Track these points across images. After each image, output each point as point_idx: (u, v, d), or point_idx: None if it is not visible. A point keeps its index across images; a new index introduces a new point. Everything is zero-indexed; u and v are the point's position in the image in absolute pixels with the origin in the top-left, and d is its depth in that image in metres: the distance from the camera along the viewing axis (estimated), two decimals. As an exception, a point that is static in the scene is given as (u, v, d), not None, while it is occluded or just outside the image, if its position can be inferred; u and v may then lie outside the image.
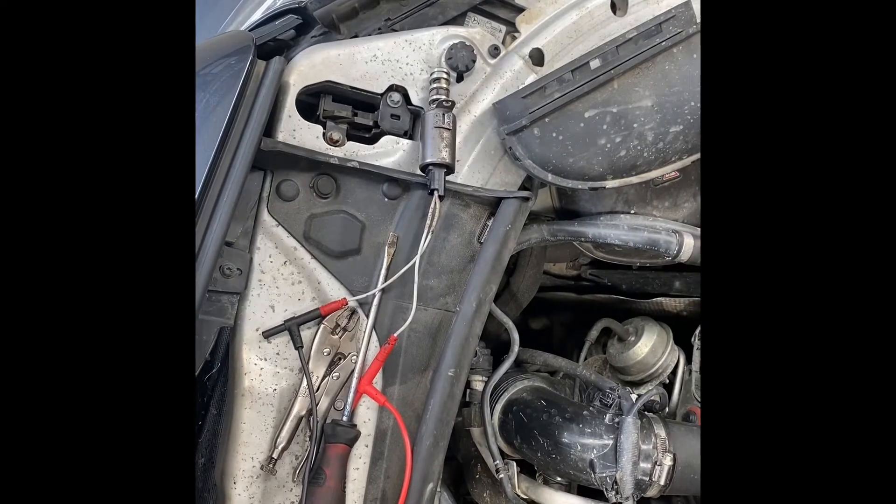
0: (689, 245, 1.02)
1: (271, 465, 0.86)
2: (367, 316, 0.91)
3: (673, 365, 1.23)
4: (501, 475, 1.05)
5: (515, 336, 1.09)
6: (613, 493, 0.95)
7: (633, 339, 1.24)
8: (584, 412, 1.01)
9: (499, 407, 1.12)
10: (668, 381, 1.23)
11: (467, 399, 1.17)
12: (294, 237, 0.90)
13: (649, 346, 1.22)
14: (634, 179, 0.98)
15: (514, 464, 1.09)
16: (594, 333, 1.29)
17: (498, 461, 1.06)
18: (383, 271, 0.92)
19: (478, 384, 1.16)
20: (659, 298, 1.31)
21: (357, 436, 0.88)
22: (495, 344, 1.23)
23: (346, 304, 0.90)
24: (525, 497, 1.09)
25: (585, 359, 1.34)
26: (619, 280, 1.37)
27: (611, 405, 1.00)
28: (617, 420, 0.98)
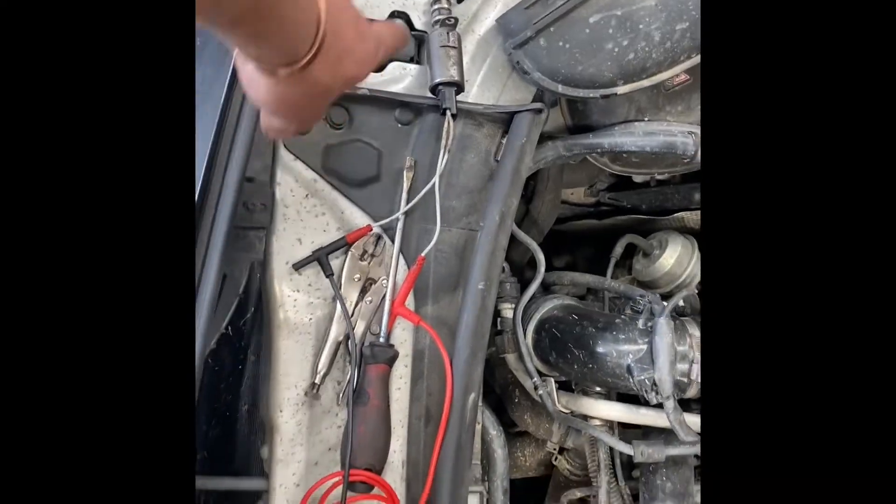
0: (706, 144, 1.01)
1: (315, 391, 0.87)
2: (393, 241, 0.92)
3: (700, 274, 1.23)
4: (541, 391, 1.06)
5: (540, 257, 1.09)
6: (654, 394, 0.96)
7: (657, 251, 1.24)
8: (617, 320, 1.01)
9: (531, 327, 1.13)
10: (697, 290, 1.24)
11: (499, 328, 1.17)
12: (313, 169, 0.90)
13: (675, 257, 1.22)
14: (645, 83, 0.97)
15: (552, 380, 1.10)
16: (619, 250, 1.29)
17: (535, 379, 1.07)
18: (404, 195, 0.92)
19: (507, 311, 1.17)
20: (680, 214, 1.30)
21: (395, 355, 0.90)
22: (521, 275, 1.24)
23: (371, 230, 0.91)
24: (566, 410, 1.10)
25: (612, 279, 1.34)
26: (639, 200, 1.36)
27: (642, 311, 1.00)
28: (650, 324, 0.98)
